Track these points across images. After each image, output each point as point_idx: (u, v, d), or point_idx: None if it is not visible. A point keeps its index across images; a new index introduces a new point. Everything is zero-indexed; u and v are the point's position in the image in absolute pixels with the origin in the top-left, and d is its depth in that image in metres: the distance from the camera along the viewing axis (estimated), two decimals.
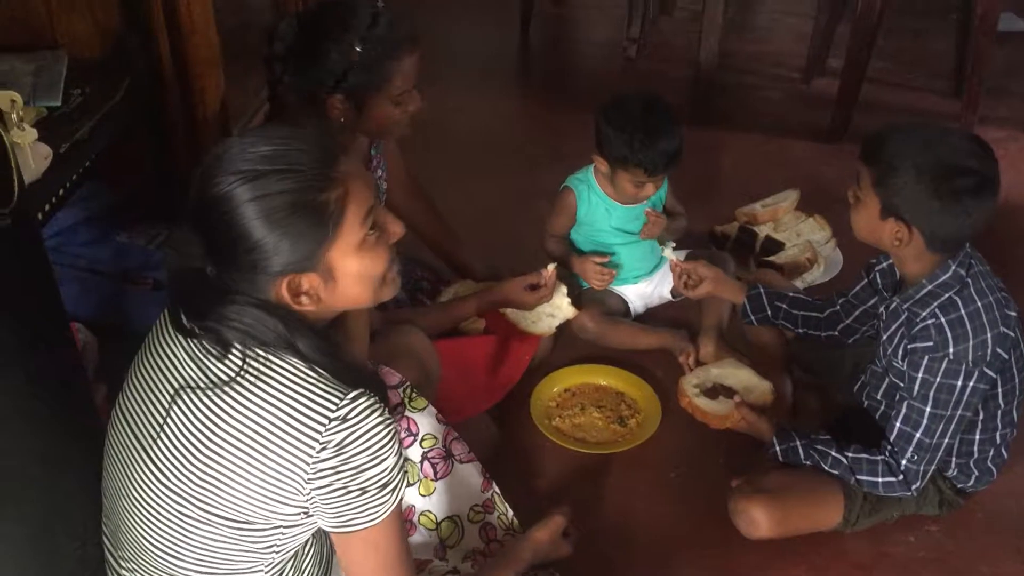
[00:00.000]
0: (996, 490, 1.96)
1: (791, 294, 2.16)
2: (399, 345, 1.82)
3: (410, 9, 2.02)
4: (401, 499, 1.26)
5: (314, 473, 1.18)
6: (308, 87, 1.81)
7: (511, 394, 2.21)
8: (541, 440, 2.15)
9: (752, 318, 2.15)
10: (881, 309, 1.91)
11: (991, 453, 1.89)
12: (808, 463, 1.85)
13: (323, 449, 1.17)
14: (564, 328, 2.31)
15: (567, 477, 2.08)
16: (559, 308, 2.27)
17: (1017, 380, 1.82)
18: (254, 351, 1.20)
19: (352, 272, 1.24)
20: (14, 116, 1.09)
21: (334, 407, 1.18)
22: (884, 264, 1.95)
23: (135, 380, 1.30)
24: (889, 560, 1.90)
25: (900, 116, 3.61)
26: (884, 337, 1.85)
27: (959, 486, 1.92)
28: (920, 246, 1.70)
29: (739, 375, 2.05)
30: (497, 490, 1.80)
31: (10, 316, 1.17)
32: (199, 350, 1.23)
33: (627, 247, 2.44)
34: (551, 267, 2.17)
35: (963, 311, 1.70)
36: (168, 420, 1.23)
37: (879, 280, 1.95)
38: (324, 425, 1.17)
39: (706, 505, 1.98)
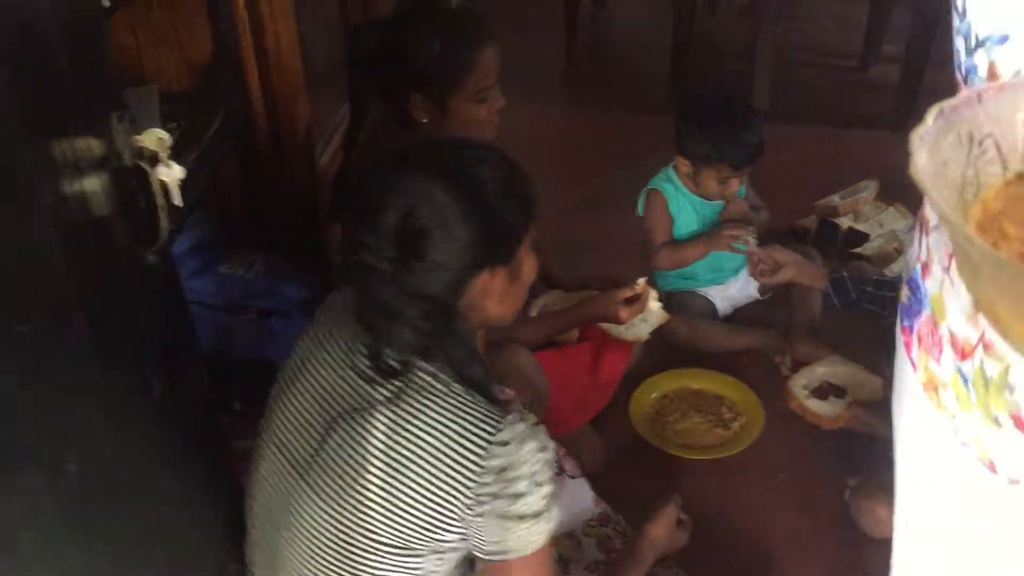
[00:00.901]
0: None
1: (875, 276, 2.12)
2: (508, 363, 1.81)
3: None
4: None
5: (474, 499, 1.15)
6: (390, 89, 1.80)
7: (610, 404, 2.18)
8: (644, 448, 2.12)
9: (836, 302, 2.10)
10: None
11: None
12: None
13: (484, 474, 1.14)
14: (655, 333, 2.29)
15: (674, 483, 2.04)
16: (651, 313, 2.23)
17: None
18: (417, 367, 1.18)
19: (526, 271, 1.24)
20: (162, 155, 1.08)
21: (494, 431, 1.15)
22: None
23: (285, 406, 1.29)
24: None
25: None
26: None
27: None
28: None
29: (846, 371, 2.02)
30: (608, 505, 1.78)
31: (155, 353, 1.17)
32: (357, 369, 1.21)
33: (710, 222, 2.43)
34: (642, 281, 2.14)
35: None
36: (325, 446, 1.21)
37: None
38: (486, 449, 1.14)
39: (819, 506, 1.95)
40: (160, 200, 1.10)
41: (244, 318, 1.81)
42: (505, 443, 1.15)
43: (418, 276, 1.15)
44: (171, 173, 1.11)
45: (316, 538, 1.23)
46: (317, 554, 1.24)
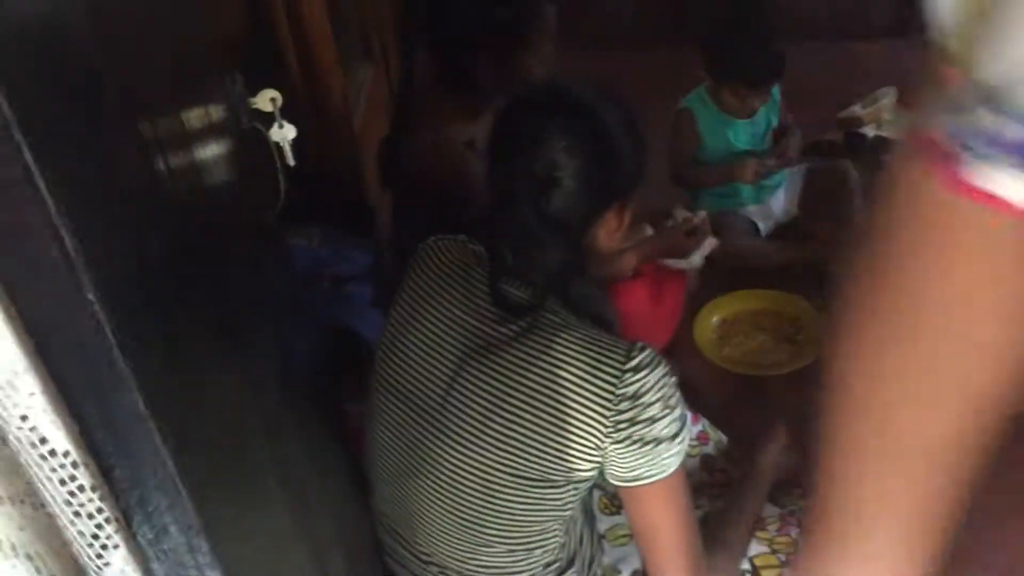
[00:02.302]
0: None
1: None
2: None
3: None
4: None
5: (613, 427, 1.17)
6: (453, 48, 1.78)
7: (674, 332, 2.20)
8: (715, 372, 2.14)
9: None
10: None
11: None
12: None
13: (620, 401, 1.16)
14: (707, 259, 2.30)
15: (754, 402, 2.08)
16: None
17: None
18: (544, 307, 1.19)
19: (633, 210, 1.27)
20: (276, 114, 1.07)
21: (624, 358, 1.16)
22: None
23: (401, 357, 1.29)
24: None
25: None
26: None
27: None
28: None
29: None
30: (706, 420, 1.80)
31: (283, 317, 1.17)
32: (479, 311, 1.22)
33: (754, 144, 2.45)
34: (702, 213, 2.15)
35: None
36: (454, 389, 1.22)
37: None
38: (619, 378, 1.16)
39: None
40: (278, 161, 1.09)
41: (319, 287, 1.80)
42: (637, 369, 1.16)
43: (560, 206, 1.18)
44: (284, 133, 1.10)
45: (455, 480, 1.24)
46: (457, 496, 1.25)
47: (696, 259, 2.25)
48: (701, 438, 1.78)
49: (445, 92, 1.84)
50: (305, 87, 1.99)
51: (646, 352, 1.18)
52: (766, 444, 1.68)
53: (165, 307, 0.69)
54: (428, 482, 1.27)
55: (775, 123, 2.48)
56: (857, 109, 2.78)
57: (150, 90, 0.76)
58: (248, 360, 0.90)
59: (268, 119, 1.09)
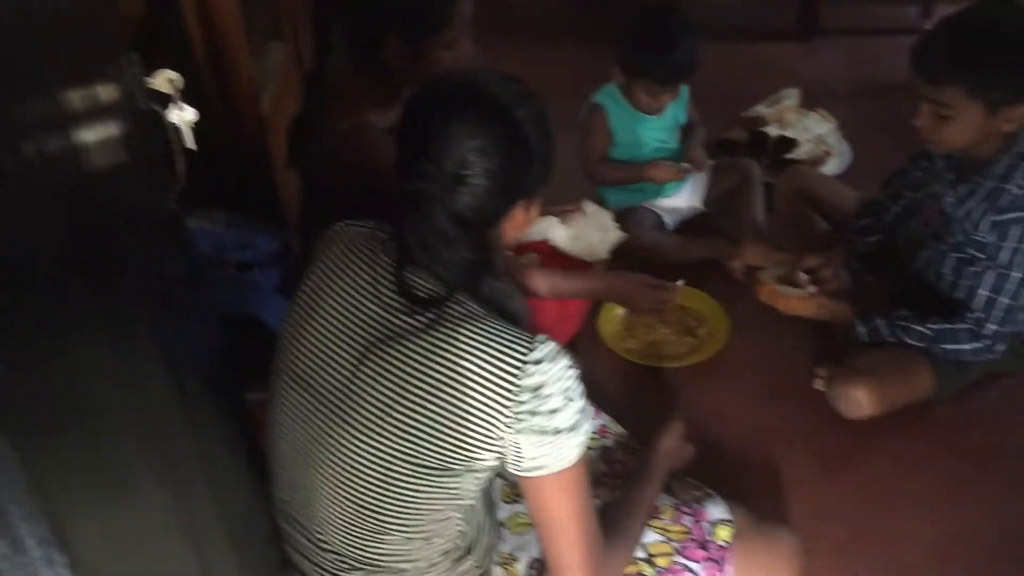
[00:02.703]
0: None
1: (860, 227, 2.19)
2: None
3: None
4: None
5: (513, 418, 1.17)
6: (365, 29, 1.75)
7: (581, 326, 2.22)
8: (618, 364, 2.18)
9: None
10: (946, 191, 1.96)
11: None
12: (892, 340, 1.92)
13: (522, 392, 1.17)
14: (613, 252, 2.33)
15: (656, 394, 2.12)
16: (608, 232, 2.28)
17: None
18: (453, 299, 1.19)
19: (538, 203, 1.27)
20: (174, 95, 1.05)
21: (526, 350, 1.17)
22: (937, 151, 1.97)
23: (304, 344, 1.27)
24: (979, 417, 2.01)
25: (860, 7, 3.70)
26: (960, 214, 1.91)
27: None
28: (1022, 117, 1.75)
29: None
30: (607, 415, 1.83)
31: (180, 302, 1.14)
32: (385, 300, 1.22)
33: (659, 149, 2.50)
34: (681, 283, 2.15)
35: None
36: (358, 377, 1.21)
37: (940, 165, 1.99)
38: (521, 369, 1.17)
39: (796, 397, 2.05)
40: (176, 144, 1.07)
41: (222, 272, 1.77)
42: (539, 361, 1.17)
43: (469, 204, 1.18)
44: (183, 116, 1.08)
45: (355, 468, 1.23)
46: (357, 483, 1.24)
47: (602, 250, 2.28)
48: (601, 431, 1.80)
49: (360, 76, 1.81)
50: (211, 67, 1.94)
51: (548, 345, 1.19)
52: (663, 435, 1.71)
53: (18, 302, 0.66)
54: (328, 469, 1.26)
55: (682, 120, 2.52)
56: (761, 109, 2.85)
57: (16, 67, 0.73)
58: (125, 353, 0.87)
59: (167, 100, 1.06)
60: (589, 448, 1.75)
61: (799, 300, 2.00)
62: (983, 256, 1.85)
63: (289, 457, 1.33)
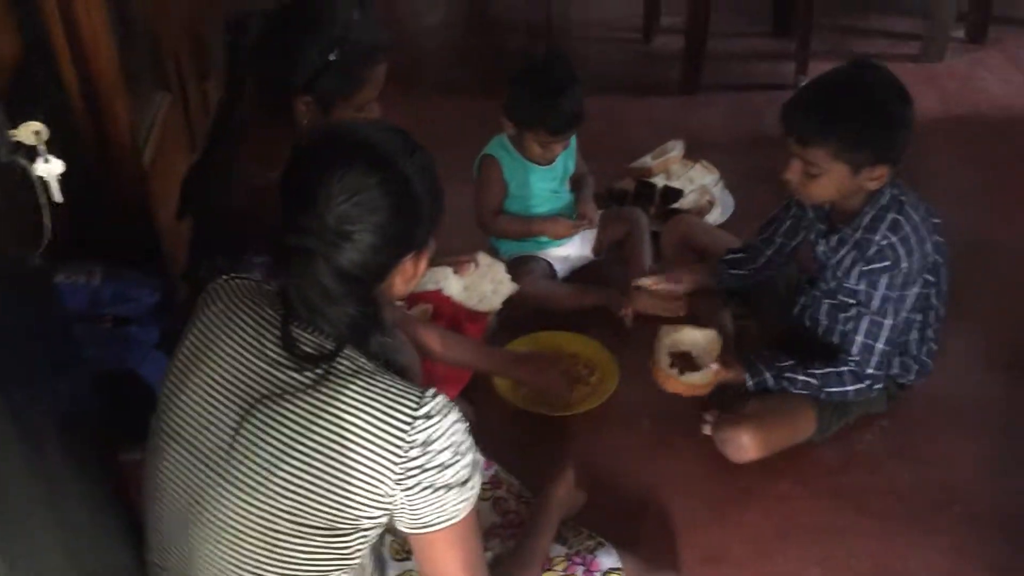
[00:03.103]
0: (928, 380, 2.16)
1: (731, 259, 2.27)
2: None
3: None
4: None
5: (402, 474, 1.16)
6: (277, 86, 1.74)
7: (473, 374, 2.22)
8: (510, 413, 2.18)
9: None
10: (817, 239, 2.05)
11: (925, 348, 2.08)
12: (777, 389, 1.97)
13: (411, 448, 1.15)
14: (506, 302, 2.34)
15: (549, 442, 2.13)
16: (501, 283, 2.31)
17: (942, 278, 2.01)
18: (340, 354, 1.18)
19: (430, 255, 1.27)
20: (40, 148, 1.01)
21: (416, 406, 1.16)
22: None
23: (185, 402, 1.23)
24: (857, 458, 2.08)
25: (740, 63, 3.85)
26: (832, 262, 1.99)
27: (900, 381, 2.10)
28: (884, 176, 1.84)
29: (684, 338, 2.08)
30: (498, 466, 1.82)
31: (47, 363, 1.10)
32: (270, 357, 1.19)
33: (550, 209, 2.54)
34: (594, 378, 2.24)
35: (907, 228, 1.86)
36: (240, 436, 1.18)
37: (811, 214, 2.08)
38: (409, 424, 1.15)
39: (682, 443, 2.08)
40: (42, 197, 1.03)
41: (99, 328, 1.70)
42: (429, 416, 1.16)
43: (355, 260, 1.16)
44: (50, 168, 1.04)
45: (238, 529, 1.19)
46: (238, 546, 1.20)
47: (495, 301, 2.30)
48: (493, 482, 1.80)
49: (271, 131, 1.79)
50: (87, 115, 1.89)
51: (438, 399, 1.19)
52: (555, 484, 1.72)
53: None
54: (208, 530, 1.21)
55: (572, 169, 2.57)
56: (647, 160, 2.92)
57: None
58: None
59: (33, 152, 1.02)
60: (482, 499, 1.76)
61: (700, 383, 1.99)
62: (854, 302, 1.93)
63: (166, 519, 1.28)
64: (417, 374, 1.87)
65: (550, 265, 2.56)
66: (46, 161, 1.03)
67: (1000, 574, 1.84)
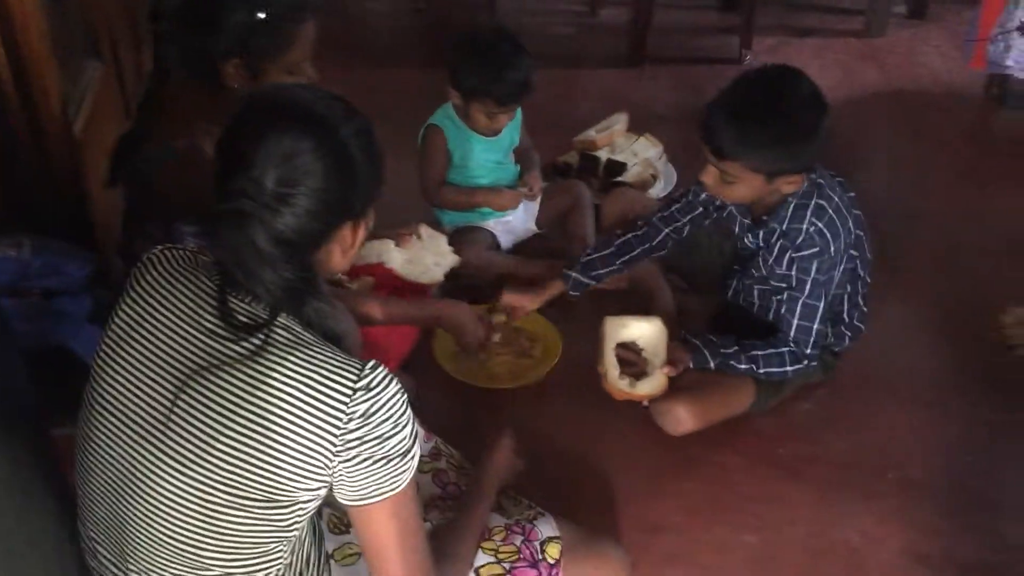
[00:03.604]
0: (861, 347, 2.20)
1: (597, 254, 2.25)
2: None
3: None
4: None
5: (342, 445, 1.15)
6: (203, 51, 1.70)
7: (415, 346, 2.21)
8: (454, 385, 2.18)
9: (577, 294, 2.25)
10: (743, 232, 2.06)
11: (856, 314, 2.12)
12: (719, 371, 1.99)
13: (350, 420, 1.15)
14: (448, 276, 2.34)
15: (490, 414, 2.13)
16: (443, 256, 2.30)
17: (865, 248, 2.05)
18: (276, 323, 1.16)
19: (368, 226, 1.26)
20: None
21: (355, 377, 1.15)
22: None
23: (120, 374, 1.21)
24: (795, 428, 2.11)
25: (686, 37, 3.87)
26: (763, 251, 2.00)
27: (836, 350, 2.14)
28: (798, 180, 1.86)
29: (630, 332, 2.05)
30: (439, 438, 1.82)
31: None
32: (205, 327, 1.17)
33: (494, 181, 2.53)
34: (502, 318, 2.24)
35: (830, 211, 1.90)
36: (178, 408, 1.16)
37: (731, 208, 2.07)
38: (349, 396, 1.15)
39: (625, 415, 2.10)
40: None
41: (26, 301, 1.66)
42: (369, 388, 1.16)
43: (291, 224, 1.14)
44: None
45: (174, 502, 1.18)
46: (175, 518, 1.19)
47: (437, 273, 2.29)
48: (433, 454, 1.79)
49: (195, 95, 1.75)
50: (15, 87, 1.83)
51: (378, 371, 1.18)
52: (493, 452, 1.72)
53: None
54: (144, 504, 1.20)
55: (516, 142, 2.56)
56: (592, 133, 2.92)
57: None
58: None
59: None
60: (421, 471, 1.76)
61: (654, 392, 1.97)
62: (785, 286, 1.96)
63: (100, 492, 1.25)
64: (356, 344, 1.85)
65: (494, 236, 2.56)
66: None
67: (934, 538, 1.89)
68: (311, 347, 1.17)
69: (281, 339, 1.17)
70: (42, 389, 1.49)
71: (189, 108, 1.69)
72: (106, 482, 1.24)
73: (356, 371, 1.16)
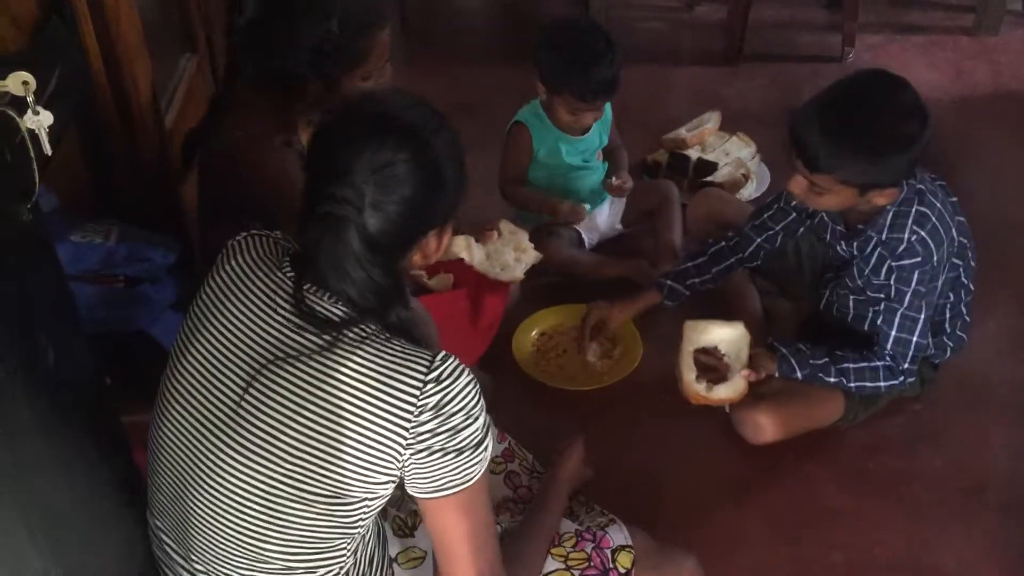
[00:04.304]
0: (961, 361, 2.08)
1: (691, 262, 2.16)
2: None
3: None
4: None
5: (413, 438, 1.15)
6: (280, 66, 1.71)
7: (492, 344, 2.19)
8: (532, 385, 2.15)
9: (673, 303, 2.15)
10: (836, 240, 1.96)
11: (959, 323, 2.01)
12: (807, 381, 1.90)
13: (422, 412, 1.15)
14: (530, 272, 2.30)
15: (567, 416, 2.09)
16: (524, 252, 2.26)
17: (970, 255, 1.94)
18: (353, 322, 1.17)
19: (452, 231, 1.28)
20: (29, 99, 0.99)
21: (426, 369, 1.15)
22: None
23: (192, 363, 1.22)
24: (886, 443, 2.02)
25: (786, 33, 3.75)
26: (858, 260, 1.90)
27: (936, 362, 2.03)
28: (893, 193, 1.76)
29: (711, 337, 1.96)
30: (512, 439, 1.79)
31: (46, 319, 1.08)
32: (281, 319, 1.18)
33: (579, 180, 2.47)
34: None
35: (934, 219, 1.79)
36: (247, 398, 1.17)
37: (823, 215, 1.97)
38: (420, 388, 1.15)
39: (705, 420, 2.03)
40: (31, 150, 1.01)
41: (111, 287, 1.69)
42: (439, 379, 1.16)
43: (384, 229, 1.16)
44: (40, 120, 1.01)
45: (239, 495, 1.18)
46: (239, 511, 1.19)
47: (517, 271, 2.25)
48: (507, 455, 1.77)
49: (263, 94, 1.77)
50: (108, 77, 1.87)
51: (449, 361, 1.18)
52: (564, 458, 1.69)
53: None
54: (209, 495, 1.20)
55: (605, 141, 2.51)
56: (682, 131, 2.86)
57: None
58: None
59: (23, 104, 1.00)
60: (494, 473, 1.74)
61: (732, 397, 1.88)
62: (883, 297, 1.86)
63: (167, 481, 1.27)
64: (434, 346, 1.85)
65: (578, 234, 2.51)
66: (36, 113, 1.00)
67: None
68: (381, 341, 1.17)
69: (354, 335, 1.17)
70: (120, 375, 1.52)
71: (255, 106, 1.71)
72: (173, 471, 1.25)
73: (427, 362, 1.16)
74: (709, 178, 2.70)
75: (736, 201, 2.49)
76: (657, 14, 3.98)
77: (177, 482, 1.24)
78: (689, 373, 1.89)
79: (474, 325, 2.17)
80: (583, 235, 2.52)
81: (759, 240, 2.09)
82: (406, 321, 1.22)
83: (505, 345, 2.22)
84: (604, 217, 2.55)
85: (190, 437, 1.22)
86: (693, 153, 2.79)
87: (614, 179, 2.47)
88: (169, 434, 1.24)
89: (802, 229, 2.06)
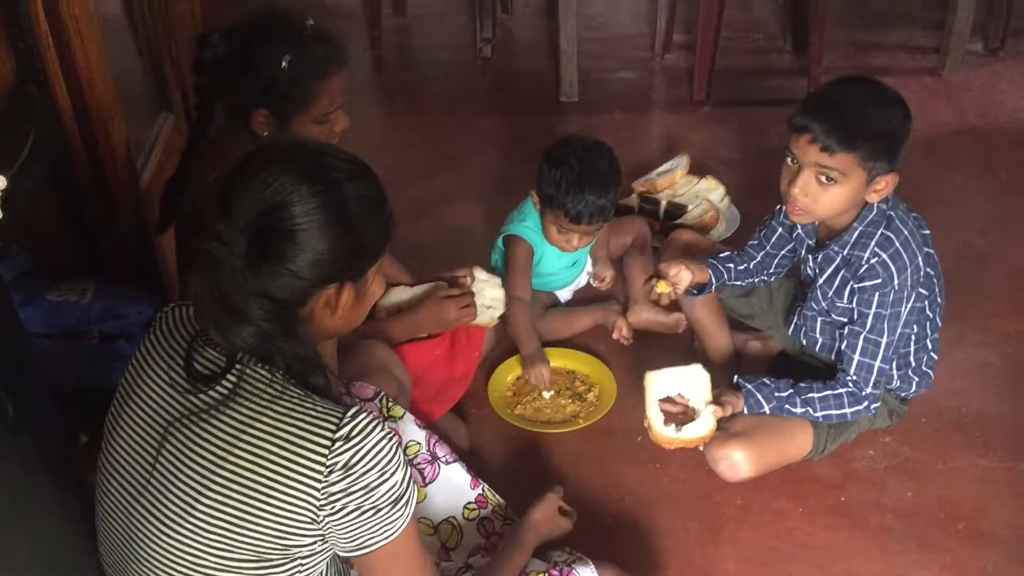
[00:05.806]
0: (930, 393, 2.11)
1: (722, 256, 2.18)
2: (369, 359, 1.82)
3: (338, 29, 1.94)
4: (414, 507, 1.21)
5: (326, 499, 1.12)
6: (235, 100, 1.77)
7: (467, 391, 2.21)
8: (507, 429, 2.17)
9: (715, 286, 2.15)
10: (806, 256, 2.01)
11: (925, 359, 2.04)
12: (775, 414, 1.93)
13: (331, 472, 1.12)
14: (504, 319, 2.33)
15: (542, 460, 2.11)
16: (497, 300, 2.29)
17: (937, 289, 1.98)
18: (248, 368, 1.14)
19: (372, 292, 1.24)
20: None
21: (334, 427, 1.12)
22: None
23: (118, 432, 1.22)
24: (857, 475, 2.03)
25: (753, 78, 3.83)
26: (821, 281, 1.95)
27: (902, 395, 2.06)
28: (892, 181, 1.81)
29: (671, 381, 1.94)
30: (486, 485, 1.81)
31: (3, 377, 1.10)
32: (176, 381, 1.17)
33: (558, 277, 2.48)
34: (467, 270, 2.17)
35: (897, 244, 1.82)
36: (159, 465, 1.16)
37: (799, 229, 2.03)
38: (328, 447, 1.12)
39: (678, 460, 2.05)
40: None
41: (85, 345, 1.72)
42: (348, 437, 1.12)
43: (266, 278, 1.11)
44: None
45: (166, 566, 1.17)
46: None
47: (493, 315, 2.28)
48: (479, 501, 1.78)
49: (231, 141, 1.81)
50: (83, 137, 1.92)
51: (360, 418, 1.14)
52: (536, 507, 1.70)
53: None
54: (139, 567, 1.20)
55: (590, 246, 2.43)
56: (653, 175, 2.91)
57: None
58: None
59: None
60: (467, 519, 1.76)
61: (701, 436, 1.87)
62: (845, 320, 1.90)
63: (108, 554, 1.27)
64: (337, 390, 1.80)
65: (553, 295, 2.53)
66: None
67: None
68: (290, 398, 1.14)
69: (258, 388, 1.14)
70: (98, 432, 1.53)
71: (222, 151, 1.75)
72: (110, 543, 1.25)
73: (336, 420, 1.13)
74: (679, 220, 2.75)
75: (708, 240, 2.52)
76: (627, 64, 4.06)
77: (116, 555, 1.24)
78: (656, 420, 1.91)
79: (449, 371, 2.19)
80: (558, 295, 2.54)
81: (759, 257, 2.14)
82: (306, 363, 1.16)
83: (481, 390, 2.25)
84: (580, 279, 2.55)
85: (120, 509, 1.22)
86: (663, 196, 2.84)
87: (594, 280, 2.47)
88: (107, 508, 1.24)
89: (789, 246, 2.09)
